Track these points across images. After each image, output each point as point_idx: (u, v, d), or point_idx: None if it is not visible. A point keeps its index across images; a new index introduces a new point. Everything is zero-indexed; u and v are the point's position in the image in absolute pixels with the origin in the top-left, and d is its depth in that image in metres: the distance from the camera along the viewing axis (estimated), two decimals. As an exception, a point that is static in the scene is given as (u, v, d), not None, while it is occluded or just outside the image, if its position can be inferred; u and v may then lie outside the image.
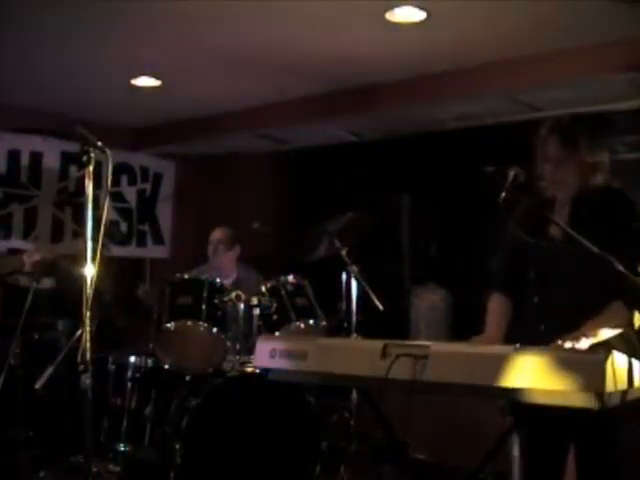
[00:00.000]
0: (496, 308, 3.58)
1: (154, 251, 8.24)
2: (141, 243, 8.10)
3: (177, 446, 4.74)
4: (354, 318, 5.45)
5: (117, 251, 7.46)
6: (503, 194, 2.95)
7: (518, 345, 2.55)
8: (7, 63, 5.95)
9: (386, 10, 4.75)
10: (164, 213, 8.28)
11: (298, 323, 5.19)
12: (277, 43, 5.35)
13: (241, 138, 7.64)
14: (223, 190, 8.24)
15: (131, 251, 7.99)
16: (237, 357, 5.08)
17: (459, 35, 5.14)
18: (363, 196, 6.81)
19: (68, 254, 4.51)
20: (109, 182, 3.32)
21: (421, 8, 4.72)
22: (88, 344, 3.11)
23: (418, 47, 5.40)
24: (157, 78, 6.30)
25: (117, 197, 7.78)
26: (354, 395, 5.44)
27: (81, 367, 3.25)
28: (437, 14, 4.79)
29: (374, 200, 6.63)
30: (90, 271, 3.19)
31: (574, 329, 2.97)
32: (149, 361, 5.27)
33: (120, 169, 7.75)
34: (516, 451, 3.50)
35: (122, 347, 5.53)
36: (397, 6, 4.70)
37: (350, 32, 5.12)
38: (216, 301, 5.09)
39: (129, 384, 5.28)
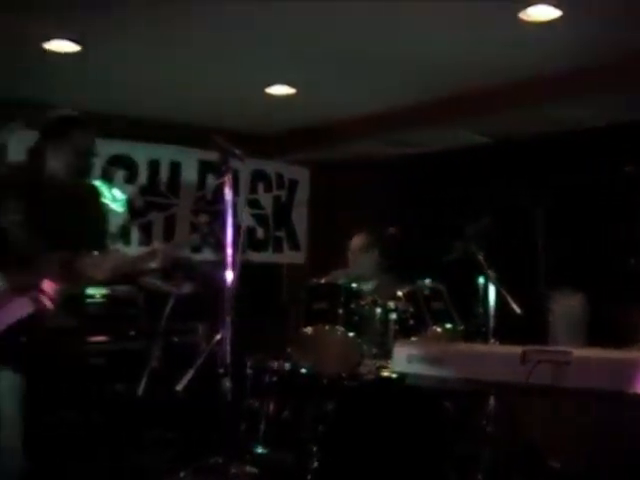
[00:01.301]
0: None
1: (290, 256, 8.33)
2: (277, 249, 8.20)
3: (314, 449, 4.77)
4: (491, 323, 5.38)
5: (254, 257, 7.60)
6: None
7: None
8: (149, 78, 6.13)
9: (519, 9, 4.69)
10: (299, 219, 8.36)
11: (435, 328, 5.14)
12: (407, 46, 5.33)
13: (374, 143, 7.64)
14: (357, 195, 8.25)
15: (268, 257, 8.09)
16: (373, 361, 5.06)
17: (595, 32, 5.02)
18: (497, 199, 6.71)
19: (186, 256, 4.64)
20: (247, 189, 3.38)
21: (556, 6, 4.64)
22: (228, 348, 3.17)
23: (552, 45, 5.30)
24: (292, 86, 6.37)
25: (253, 204, 7.90)
26: (491, 400, 5.36)
27: (221, 371, 3.31)
28: (572, 12, 4.70)
29: (508, 203, 6.54)
30: (230, 276, 3.25)
31: None
32: (286, 365, 5.30)
33: (256, 176, 7.87)
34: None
35: (260, 351, 5.59)
36: (531, 5, 4.64)
37: (483, 32, 5.07)
38: (352, 305, 5.09)
39: (266, 387, 5.32)
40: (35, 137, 4.30)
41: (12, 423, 4.04)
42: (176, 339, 6.35)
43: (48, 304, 3.39)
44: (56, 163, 4.14)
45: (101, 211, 4.55)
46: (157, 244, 4.31)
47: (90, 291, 5.95)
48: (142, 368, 5.23)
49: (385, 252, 6.23)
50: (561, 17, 4.76)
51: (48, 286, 3.40)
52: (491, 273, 5.28)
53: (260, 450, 5.15)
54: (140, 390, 5.00)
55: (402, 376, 4.40)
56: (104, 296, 6.37)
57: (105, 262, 3.80)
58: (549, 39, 5.14)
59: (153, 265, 4.18)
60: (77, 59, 5.61)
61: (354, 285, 5.28)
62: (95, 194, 4.52)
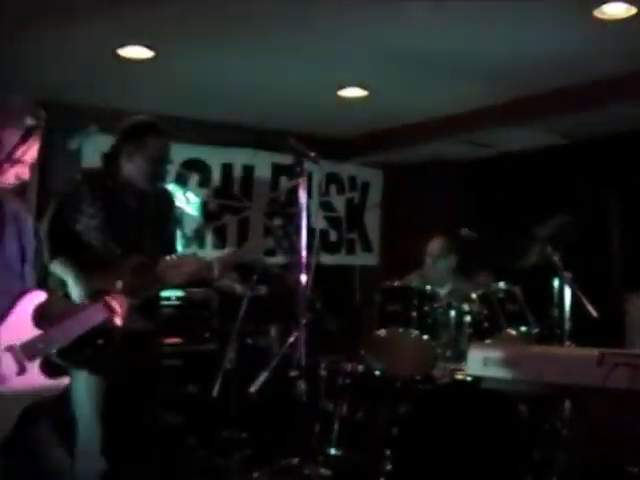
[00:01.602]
0: None
1: (363, 259, 8.33)
2: (350, 251, 8.20)
3: (387, 452, 4.76)
4: (567, 325, 5.31)
5: (327, 259, 7.60)
6: None
7: None
8: (222, 82, 6.19)
9: (594, 7, 4.63)
10: (372, 221, 8.35)
11: (509, 330, 5.10)
12: (481, 46, 5.29)
13: (446, 144, 7.60)
14: (430, 197, 8.21)
15: (341, 259, 8.10)
16: (447, 364, 5.04)
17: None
18: (571, 199, 6.63)
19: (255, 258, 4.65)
20: (323, 191, 3.39)
21: (631, 4, 4.56)
22: (303, 350, 3.18)
23: (627, 43, 5.20)
24: (364, 88, 6.37)
25: (326, 206, 7.91)
26: (567, 404, 5.29)
27: (295, 373, 3.32)
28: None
29: (583, 203, 6.45)
30: (303, 279, 3.26)
31: None
32: (360, 367, 5.30)
33: (329, 179, 7.88)
34: None
35: (333, 353, 5.60)
36: (606, 3, 4.57)
37: (559, 31, 5.01)
38: (426, 308, 5.08)
39: (340, 389, 5.32)
40: (109, 142, 4.35)
41: (89, 426, 4.10)
42: (250, 341, 6.40)
43: (119, 313, 3.44)
44: (131, 168, 4.19)
45: (175, 215, 4.60)
46: (227, 250, 4.34)
47: (165, 294, 6.04)
48: (216, 370, 5.27)
49: (459, 254, 6.20)
50: (636, 14, 4.67)
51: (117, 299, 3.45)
52: (566, 275, 5.20)
53: (333, 452, 5.15)
54: (215, 392, 5.04)
55: (477, 379, 4.37)
56: (179, 298, 6.45)
57: (182, 266, 3.84)
58: (624, 37, 5.05)
59: (211, 276, 4.21)
60: (150, 64, 5.68)
61: (428, 287, 5.26)
62: (169, 198, 4.57)
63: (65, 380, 3.29)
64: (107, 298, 3.40)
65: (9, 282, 3.17)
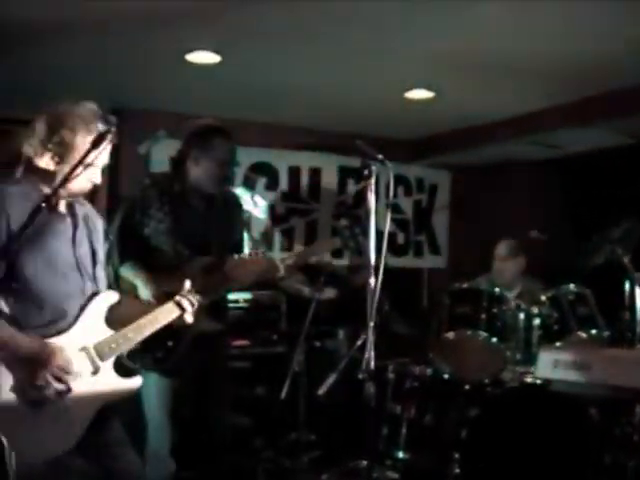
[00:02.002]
0: None
1: (431, 261, 8.30)
2: (418, 253, 8.18)
3: (455, 455, 4.73)
4: (638, 328, 5.22)
5: (395, 262, 7.59)
6: None
7: None
8: (289, 85, 6.22)
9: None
10: (440, 223, 8.31)
11: (579, 333, 5.04)
12: (545, 47, 5.23)
13: (514, 146, 7.52)
14: (497, 198, 8.15)
15: (408, 261, 8.08)
16: (517, 367, 5.00)
17: None
18: (638, 199, 6.52)
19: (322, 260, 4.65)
20: (391, 193, 3.38)
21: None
22: (372, 353, 3.17)
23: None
24: (430, 90, 6.35)
25: (394, 208, 7.88)
26: (638, 408, 5.21)
27: (364, 375, 3.32)
28: None
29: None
30: (372, 281, 3.26)
31: None
32: (428, 370, 5.28)
33: (396, 181, 7.84)
34: None
35: (401, 356, 5.59)
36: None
37: (627, 30, 4.93)
38: (495, 310, 5.04)
39: (408, 392, 5.31)
40: (177, 147, 4.40)
41: (159, 427, 4.14)
42: (318, 343, 6.42)
43: (189, 315, 3.47)
44: (198, 172, 4.23)
45: (242, 219, 4.62)
46: (297, 248, 4.35)
47: (234, 296, 6.08)
48: (284, 372, 5.29)
49: (529, 256, 6.14)
50: None
51: (187, 298, 3.49)
52: (637, 277, 5.13)
53: (401, 455, 5.14)
54: (283, 394, 5.06)
55: (546, 382, 4.31)
56: (247, 301, 6.49)
57: (249, 264, 3.87)
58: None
59: (278, 276, 4.23)
60: (217, 69, 5.73)
61: (497, 290, 5.22)
62: (236, 202, 4.60)
63: (137, 381, 3.33)
64: (178, 297, 3.44)
65: (81, 283, 3.23)
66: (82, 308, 3.20)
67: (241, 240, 4.59)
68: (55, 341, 3.08)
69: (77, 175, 3.00)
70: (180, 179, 4.27)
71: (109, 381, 3.23)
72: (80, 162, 2.97)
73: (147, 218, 4.17)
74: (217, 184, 4.27)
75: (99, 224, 3.42)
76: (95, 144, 3.03)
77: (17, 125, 7.07)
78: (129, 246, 4.14)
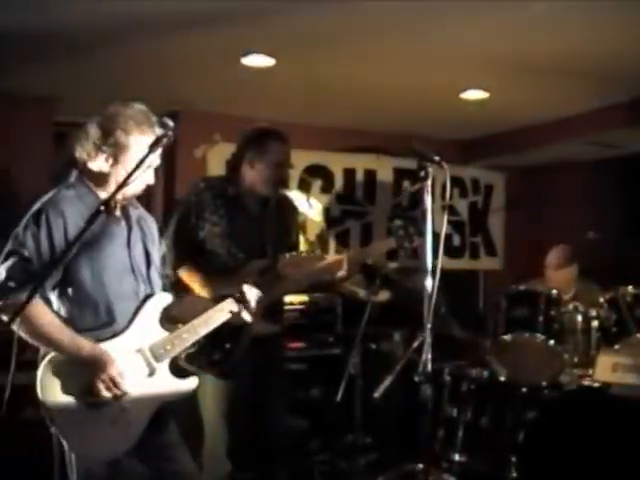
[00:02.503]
0: None
1: (487, 263, 8.24)
2: (474, 255, 8.13)
3: (512, 459, 4.69)
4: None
5: (450, 263, 7.55)
6: None
7: None
8: (344, 87, 6.23)
9: None
10: (496, 225, 8.25)
11: (639, 335, 4.97)
12: (601, 47, 5.17)
13: (570, 146, 7.45)
14: (553, 199, 8.08)
15: (464, 263, 8.03)
16: (574, 370, 4.95)
17: None
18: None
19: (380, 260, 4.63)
20: (448, 195, 3.37)
21: None
22: (429, 356, 3.16)
23: None
24: (485, 90, 6.32)
25: (449, 210, 7.84)
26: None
27: (420, 378, 3.30)
28: None
29: None
30: (429, 283, 3.24)
31: None
32: (484, 372, 5.25)
33: (452, 182, 7.80)
34: None
35: (457, 358, 5.56)
36: None
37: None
38: (553, 313, 4.99)
39: (464, 395, 5.28)
40: (233, 150, 4.42)
41: (215, 429, 4.16)
42: (374, 346, 6.41)
43: (247, 313, 3.48)
44: (253, 174, 4.24)
45: (297, 221, 4.62)
46: (351, 251, 4.34)
47: (290, 298, 6.10)
48: (340, 374, 5.30)
49: (585, 258, 6.06)
50: None
51: (249, 294, 3.49)
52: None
53: (457, 458, 5.12)
54: (339, 396, 5.06)
55: (605, 386, 4.27)
56: (303, 303, 6.50)
57: (304, 263, 3.87)
58: None
59: (339, 275, 4.21)
60: (272, 71, 5.76)
61: (554, 292, 5.17)
62: (291, 204, 4.61)
63: (193, 382, 3.35)
64: (232, 296, 3.45)
65: (135, 286, 3.26)
66: (136, 310, 3.23)
67: (297, 242, 4.60)
68: (111, 343, 3.12)
69: (134, 178, 3.02)
70: (235, 182, 4.29)
71: (165, 382, 3.25)
72: (138, 166, 2.99)
73: (202, 221, 4.19)
74: (272, 187, 4.27)
75: (153, 227, 3.45)
76: (152, 147, 3.05)
77: (76, 129, 7.21)
78: (185, 249, 4.18)
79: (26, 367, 4.10)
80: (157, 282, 3.37)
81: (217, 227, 4.16)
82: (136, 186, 3.18)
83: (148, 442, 3.18)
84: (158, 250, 3.46)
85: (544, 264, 6.00)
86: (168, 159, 6.77)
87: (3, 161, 6.22)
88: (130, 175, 2.99)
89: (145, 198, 3.35)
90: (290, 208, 4.57)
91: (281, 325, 4.40)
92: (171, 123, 3.06)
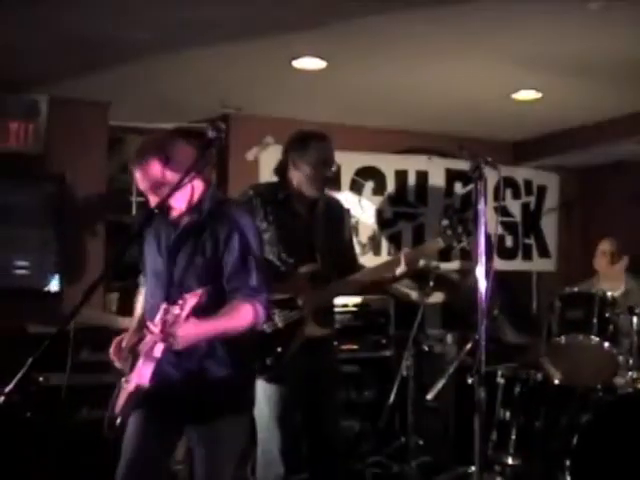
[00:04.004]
0: None
1: (540, 264, 8.16)
2: (527, 257, 8.05)
3: (567, 463, 4.65)
4: None
5: (503, 265, 7.50)
6: None
7: None
8: (394, 89, 6.23)
9: None
10: (549, 226, 8.17)
11: (697, 338, 4.91)
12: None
13: (622, 146, 7.37)
14: (608, 200, 8.00)
15: (517, 265, 7.96)
16: (630, 373, 4.89)
17: None
18: None
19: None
20: (501, 196, 3.37)
21: None
22: (483, 358, 3.15)
23: None
24: (538, 90, 6.27)
25: (502, 211, 7.78)
26: None
27: (473, 380, 3.29)
28: None
29: None
30: (482, 285, 3.23)
31: None
32: (538, 375, 5.21)
33: (504, 183, 7.76)
34: None
35: (511, 361, 5.53)
36: None
37: None
38: (607, 314, 4.95)
39: (518, 398, 5.24)
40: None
41: (268, 432, 4.18)
42: (426, 348, 6.39)
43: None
44: (297, 176, 4.24)
45: (349, 223, 4.62)
46: (405, 250, 4.33)
47: (342, 300, 6.11)
48: (393, 376, 5.30)
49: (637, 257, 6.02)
50: None
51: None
52: None
53: (510, 461, 5.09)
54: (391, 398, 5.06)
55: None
56: (356, 305, 6.51)
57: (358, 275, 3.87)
58: None
59: (399, 272, 4.21)
60: (323, 74, 5.78)
61: (609, 293, 5.12)
62: (340, 207, 4.60)
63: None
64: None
65: (155, 289, 3.39)
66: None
67: (350, 246, 4.59)
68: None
69: (185, 183, 3.07)
70: (283, 187, 4.30)
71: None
72: (189, 171, 3.03)
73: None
74: (317, 187, 4.26)
75: (222, 236, 3.39)
76: (203, 151, 3.08)
77: (131, 133, 7.32)
78: None
79: (81, 369, 4.18)
80: (192, 289, 3.14)
81: (267, 233, 4.17)
82: (185, 191, 3.23)
83: None
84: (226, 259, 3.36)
85: (594, 256, 6.00)
86: (220, 163, 6.83)
87: (59, 166, 6.31)
88: (182, 180, 3.02)
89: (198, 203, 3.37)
90: (340, 210, 4.56)
91: (332, 328, 4.41)
92: (222, 126, 3.08)
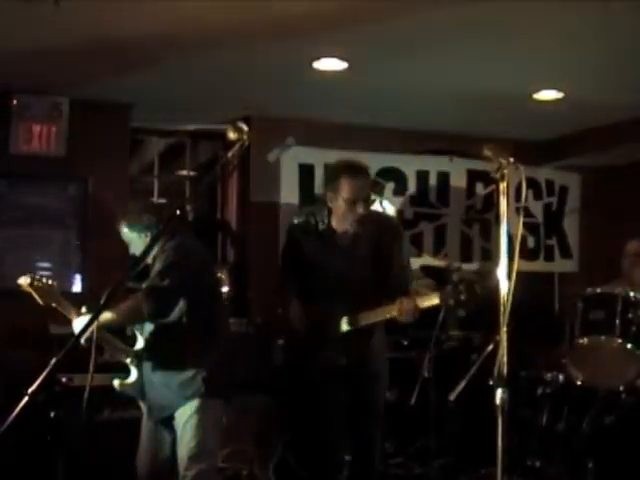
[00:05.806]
0: None
1: (562, 265, 8.14)
2: (549, 257, 8.03)
3: (590, 465, 4.64)
4: None
5: (525, 266, 7.47)
6: None
7: None
8: (417, 90, 6.23)
9: None
10: (571, 227, 8.14)
11: None
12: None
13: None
14: (631, 201, 7.95)
15: (539, 266, 7.95)
16: (653, 375, 4.88)
17: None
18: None
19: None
20: (523, 197, 3.36)
21: None
22: (505, 359, 3.14)
23: None
24: (559, 90, 6.26)
25: (524, 212, 7.75)
26: None
27: (495, 381, 3.28)
28: None
29: None
30: (505, 286, 3.22)
31: None
32: (560, 376, 5.19)
33: (526, 184, 7.72)
34: None
35: (533, 362, 5.51)
36: None
37: None
38: (630, 316, 4.92)
39: (540, 399, 5.23)
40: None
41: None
42: (448, 349, 6.37)
43: None
44: (335, 212, 4.34)
45: (394, 241, 4.57)
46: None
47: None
48: (414, 377, 5.30)
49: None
50: None
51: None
52: None
53: (533, 463, 5.08)
54: (413, 399, 5.05)
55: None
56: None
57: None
58: None
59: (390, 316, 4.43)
60: (344, 75, 5.79)
61: (632, 294, 5.09)
62: (387, 225, 4.64)
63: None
64: None
65: None
66: None
67: (397, 263, 4.52)
68: None
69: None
70: (323, 216, 4.39)
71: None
72: (216, 172, 3.04)
73: (299, 255, 4.43)
74: (348, 224, 4.30)
75: None
76: (226, 152, 3.09)
77: (151, 135, 7.35)
78: (291, 280, 4.53)
79: (104, 369, 4.20)
80: None
81: (310, 261, 4.34)
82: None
83: None
84: None
85: (623, 256, 5.96)
86: (242, 164, 6.84)
87: (82, 168, 6.35)
88: (203, 182, 3.04)
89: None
90: (386, 229, 4.54)
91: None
92: (245, 127, 3.09)
